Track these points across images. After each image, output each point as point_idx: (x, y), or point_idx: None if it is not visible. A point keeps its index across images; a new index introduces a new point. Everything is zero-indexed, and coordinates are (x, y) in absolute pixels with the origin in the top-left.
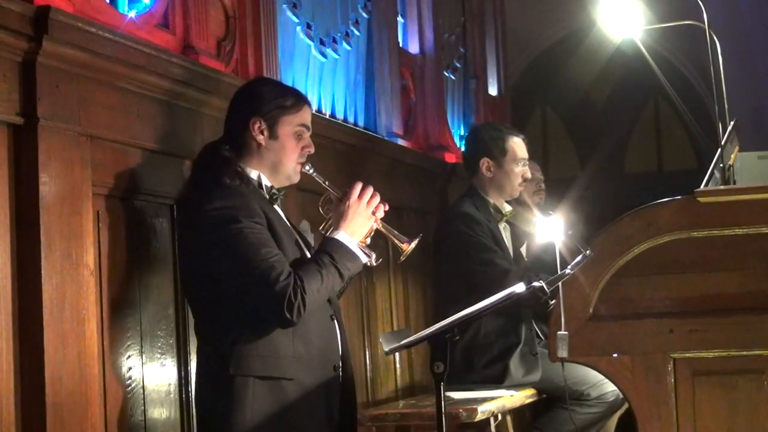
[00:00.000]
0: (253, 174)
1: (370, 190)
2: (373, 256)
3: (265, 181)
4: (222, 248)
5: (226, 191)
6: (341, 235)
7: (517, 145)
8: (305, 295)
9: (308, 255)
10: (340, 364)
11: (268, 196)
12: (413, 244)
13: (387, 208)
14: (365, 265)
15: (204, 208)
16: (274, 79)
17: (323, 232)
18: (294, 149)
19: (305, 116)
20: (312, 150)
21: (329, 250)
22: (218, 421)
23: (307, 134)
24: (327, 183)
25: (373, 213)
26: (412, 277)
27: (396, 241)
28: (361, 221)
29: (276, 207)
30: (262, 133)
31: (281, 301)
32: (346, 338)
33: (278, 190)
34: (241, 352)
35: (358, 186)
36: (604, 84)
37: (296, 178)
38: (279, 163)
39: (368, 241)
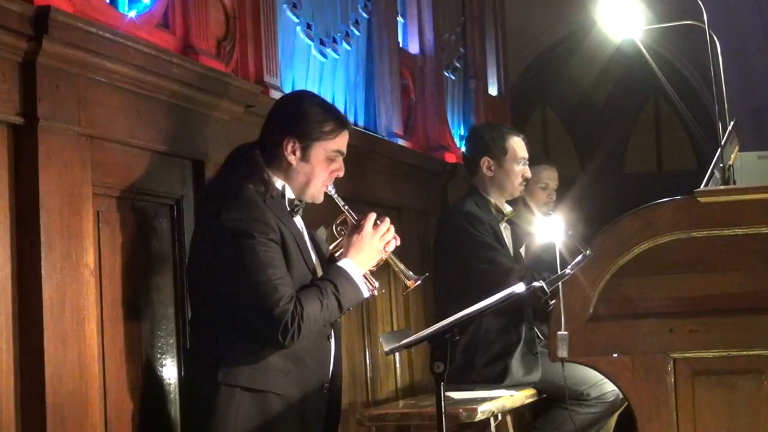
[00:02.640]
0: (278, 184)
1: (386, 223)
2: (377, 285)
3: (289, 194)
4: (230, 260)
5: (244, 202)
6: (349, 265)
7: (517, 144)
8: (302, 322)
9: (319, 271)
10: (328, 384)
11: (289, 208)
12: (419, 282)
13: (399, 243)
14: (368, 297)
15: (220, 217)
16: (320, 96)
17: (333, 252)
18: (323, 172)
19: (342, 142)
20: (341, 174)
21: (334, 280)
22: (201, 427)
23: (340, 158)
24: (346, 207)
25: (384, 247)
26: None
27: (402, 277)
28: (371, 254)
29: (297, 219)
30: (294, 153)
31: (277, 325)
32: (340, 357)
33: (300, 201)
34: (231, 361)
35: (373, 217)
36: (604, 84)
37: (320, 199)
38: (306, 185)
39: (374, 269)
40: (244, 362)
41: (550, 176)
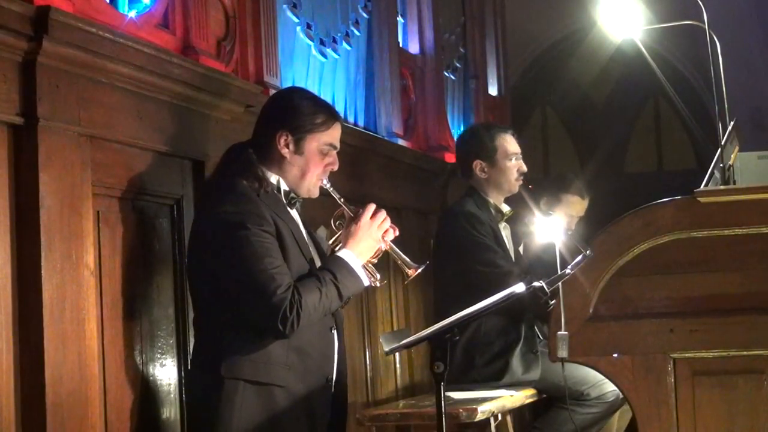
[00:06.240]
0: (273, 179)
1: (382, 214)
2: (378, 276)
3: (284, 186)
4: (226, 252)
5: (238, 196)
6: (347, 255)
7: (506, 140)
8: (301, 310)
9: (318, 264)
10: (334, 376)
11: (285, 201)
12: (419, 270)
13: (397, 233)
14: (368, 286)
15: (214, 210)
16: (311, 91)
17: (332, 247)
18: (317, 165)
19: (334, 134)
20: (335, 167)
21: (333, 269)
22: (205, 421)
23: (334, 152)
24: (342, 200)
25: (383, 236)
26: None
27: (403, 266)
28: (369, 243)
29: (293, 212)
30: (287, 146)
31: (276, 313)
32: (344, 350)
33: (296, 194)
34: (233, 355)
35: (371, 207)
36: (604, 84)
37: (315, 193)
38: (301, 177)
39: (375, 261)
40: (245, 355)
41: (579, 208)
